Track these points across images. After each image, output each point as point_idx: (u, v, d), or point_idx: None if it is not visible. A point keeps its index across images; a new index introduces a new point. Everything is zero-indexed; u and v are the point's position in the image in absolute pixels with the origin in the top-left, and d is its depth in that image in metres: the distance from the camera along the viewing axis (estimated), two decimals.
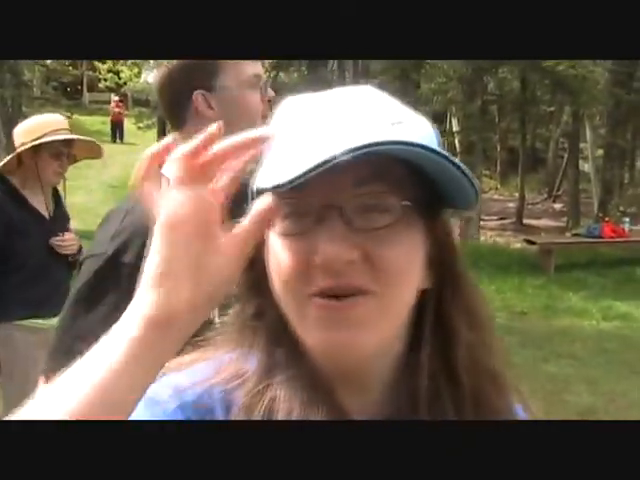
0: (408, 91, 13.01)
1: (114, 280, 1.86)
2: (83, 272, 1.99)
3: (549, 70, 15.03)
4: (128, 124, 25.68)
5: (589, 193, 19.82)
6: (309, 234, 0.77)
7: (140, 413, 0.73)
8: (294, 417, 0.79)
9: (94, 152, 3.73)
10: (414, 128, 0.78)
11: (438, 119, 20.86)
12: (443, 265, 0.83)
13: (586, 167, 21.77)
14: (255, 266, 0.81)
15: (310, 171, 0.71)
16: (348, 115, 0.77)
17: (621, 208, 17.58)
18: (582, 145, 21.15)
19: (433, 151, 0.73)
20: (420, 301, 0.83)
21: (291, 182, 0.73)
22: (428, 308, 0.83)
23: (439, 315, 0.83)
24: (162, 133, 18.07)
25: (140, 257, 1.69)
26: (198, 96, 1.96)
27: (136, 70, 25.81)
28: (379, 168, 0.76)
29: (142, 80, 25.15)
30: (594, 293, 10.59)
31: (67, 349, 1.91)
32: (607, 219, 14.74)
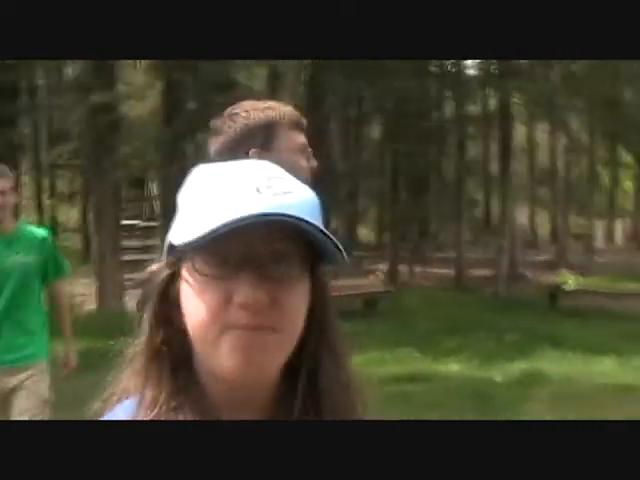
0: (105, 154, 12.74)
1: None
2: None
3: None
4: None
5: None
6: (229, 279, 0.95)
7: None
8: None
9: None
10: (303, 198, 0.99)
11: (137, 183, 20.69)
12: (318, 309, 1.03)
13: None
14: (165, 300, 1.01)
15: (234, 222, 0.90)
16: (256, 183, 0.96)
17: None
18: None
19: (309, 222, 0.93)
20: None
21: (216, 230, 0.90)
22: (304, 346, 1.02)
23: (308, 351, 1.03)
24: None
25: None
26: (254, 154, 2.17)
27: None
28: (283, 231, 0.94)
29: None
30: None
31: None
32: None
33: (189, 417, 0.99)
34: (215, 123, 2.26)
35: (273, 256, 0.96)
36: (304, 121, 2.33)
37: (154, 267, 1.06)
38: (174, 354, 1.02)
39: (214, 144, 2.25)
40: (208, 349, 0.97)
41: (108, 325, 11.82)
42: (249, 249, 0.95)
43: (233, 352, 0.95)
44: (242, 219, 0.91)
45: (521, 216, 26.75)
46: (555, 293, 15.01)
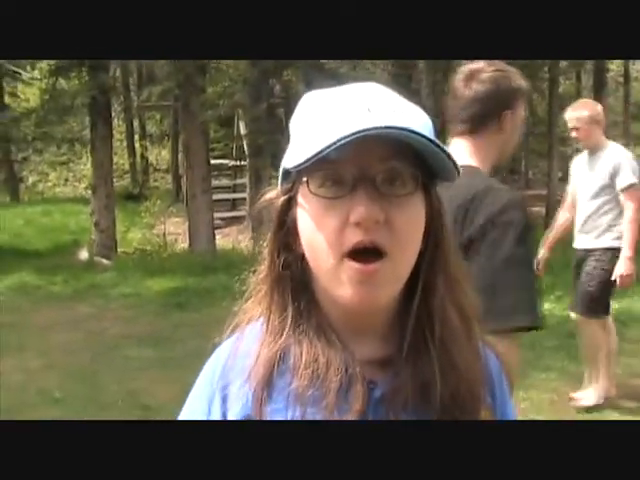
0: (193, 95, 12.85)
1: None
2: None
3: (331, 72, 15.40)
4: None
5: None
6: (345, 199, 0.96)
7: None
8: (316, 357, 1.01)
9: None
10: (414, 115, 0.99)
11: (225, 123, 20.82)
12: (433, 232, 1.03)
13: None
14: (284, 227, 1.04)
15: (349, 136, 0.90)
16: (367, 103, 0.97)
17: None
18: None
19: (426, 137, 0.93)
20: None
21: (330, 146, 0.91)
22: (420, 268, 1.02)
23: (425, 273, 1.03)
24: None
25: None
26: (508, 114, 2.37)
27: None
28: (397, 148, 0.95)
29: None
30: None
31: None
32: None
33: (314, 341, 1.03)
34: (454, 82, 2.43)
35: (387, 175, 0.97)
36: None
37: (270, 195, 1.08)
38: (295, 279, 1.05)
39: (454, 99, 2.42)
40: (327, 277, 1.00)
41: (200, 263, 12.11)
42: (363, 168, 0.96)
43: (350, 285, 0.98)
44: (354, 133, 0.91)
45: None
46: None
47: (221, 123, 19.46)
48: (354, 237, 0.96)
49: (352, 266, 0.97)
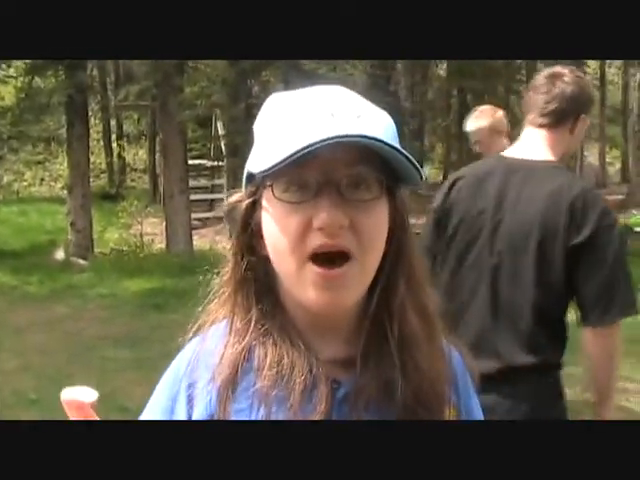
0: (170, 95, 12.79)
1: None
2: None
3: (310, 72, 15.39)
4: None
5: None
6: (309, 203, 0.97)
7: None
8: (280, 358, 1.02)
9: None
10: (378, 120, 1.00)
11: (203, 123, 20.77)
12: (396, 235, 1.04)
13: None
14: (248, 229, 1.04)
15: (312, 145, 0.91)
16: (330, 108, 0.97)
17: None
18: None
19: (386, 143, 0.94)
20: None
21: (293, 155, 0.91)
22: (382, 270, 1.03)
23: (386, 275, 1.04)
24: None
25: None
26: (582, 118, 2.57)
27: None
28: (362, 153, 0.96)
29: None
30: None
31: None
32: None
33: (278, 342, 1.03)
34: (538, 80, 2.59)
35: (351, 179, 0.97)
36: None
37: (235, 197, 1.08)
38: (259, 281, 1.06)
39: (539, 94, 2.57)
40: (292, 280, 1.01)
41: (177, 263, 12.08)
42: (327, 173, 0.97)
43: (314, 288, 0.98)
44: (319, 142, 0.92)
45: (591, 155, 26.11)
46: (624, 233, 14.70)
47: (199, 123, 19.40)
48: (317, 240, 0.97)
49: (315, 270, 0.98)
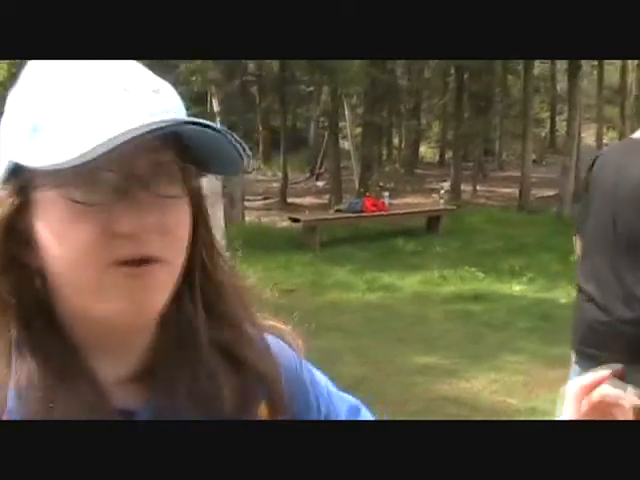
0: (166, 71, 12.65)
1: None
2: None
3: None
4: None
5: (350, 170, 20.44)
6: (109, 205, 0.78)
7: None
8: (51, 384, 0.82)
9: None
10: (174, 96, 0.85)
11: (199, 100, 20.74)
12: (199, 232, 0.89)
13: (346, 145, 22.48)
14: (13, 236, 0.81)
15: (118, 138, 0.73)
16: (119, 81, 0.80)
17: (380, 183, 18.28)
18: (341, 124, 21.84)
19: (214, 128, 0.78)
20: None
21: (94, 151, 0.72)
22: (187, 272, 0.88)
23: (190, 277, 0.90)
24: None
25: None
26: None
27: None
28: (166, 138, 0.79)
29: None
30: (359, 266, 10.93)
31: None
32: (368, 194, 15.31)
33: (49, 366, 0.84)
34: None
35: (155, 171, 0.80)
36: None
37: None
38: (26, 298, 0.85)
39: None
40: (83, 291, 0.82)
41: None
42: (126, 165, 0.79)
43: (118, 293, 0.81)
44: (127, 132, 0.74)
45: (588, 136, 26.10)
46: None
47: (194, 100, 19.36)
48: (122, 250, 0.79)
49: (121, 271, 0.80)
